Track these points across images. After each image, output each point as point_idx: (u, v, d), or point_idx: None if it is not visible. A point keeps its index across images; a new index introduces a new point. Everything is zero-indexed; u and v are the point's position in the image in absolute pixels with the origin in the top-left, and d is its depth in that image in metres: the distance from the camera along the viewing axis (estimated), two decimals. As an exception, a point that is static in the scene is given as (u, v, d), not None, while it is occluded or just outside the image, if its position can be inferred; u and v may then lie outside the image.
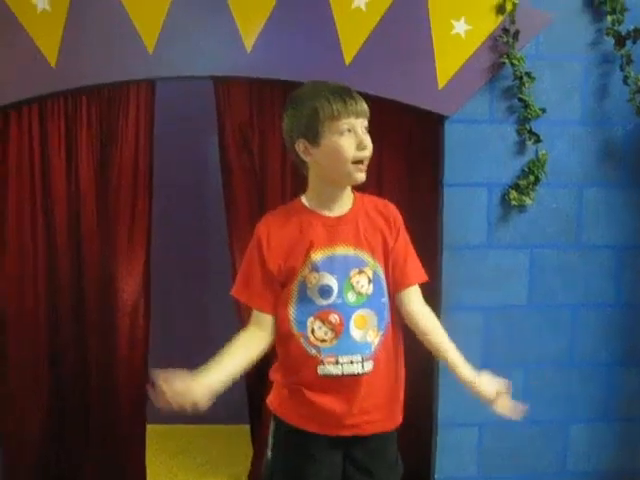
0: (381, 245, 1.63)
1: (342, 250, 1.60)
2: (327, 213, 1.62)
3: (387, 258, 1.63)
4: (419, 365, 2.04)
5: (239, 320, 2.28)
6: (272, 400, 1.70)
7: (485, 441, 2.26)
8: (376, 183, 2.17)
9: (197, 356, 2.61)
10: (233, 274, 2.26)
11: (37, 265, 2.22)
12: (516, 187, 2.15)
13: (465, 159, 2.16)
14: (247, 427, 2.55)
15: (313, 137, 1.56)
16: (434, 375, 2.26)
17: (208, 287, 2.66)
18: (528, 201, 2.15)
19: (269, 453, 1.68)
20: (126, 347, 2.29)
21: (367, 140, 1.55)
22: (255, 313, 1.64)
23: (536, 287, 2.23)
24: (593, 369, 2.28)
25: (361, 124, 1.56)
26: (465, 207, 2.18)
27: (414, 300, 1.66)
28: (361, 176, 1.56)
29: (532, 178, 2.13)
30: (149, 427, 2.41)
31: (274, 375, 1.69)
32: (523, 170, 2.16)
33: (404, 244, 1.66)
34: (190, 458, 2.78)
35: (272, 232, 1.61)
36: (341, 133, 1.54)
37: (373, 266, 1.62)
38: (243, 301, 1.67)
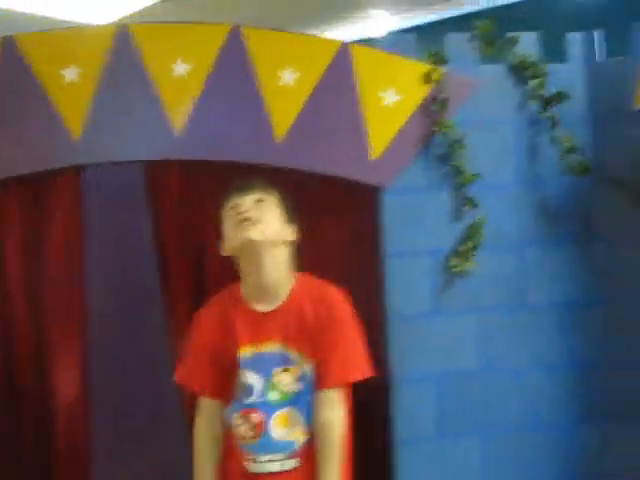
0: (313, 341, 1.59)
1: (268, 347, 1.58)
2: (258, 307, 1.60)
3: (315, 354, 1.60)
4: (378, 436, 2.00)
5: (182, 411, 2.19)
6: None
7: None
8: (318, 256, 2.13)
9: (146, 448, 2.49)
10: (172, 364, 2.18)
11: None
12: (456, 253, 2.14)
13: (405, 228, 2.15)
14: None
15: (220, 235, 1.66)
16: (393, 449, 2.18)
17: (153, 377, 2.55)
18: (470, 266, 2.14)
19: None
20: (68, 444, 2.15)
21: (247, 204, 1.60)
22: (201, 400, 1.64)
23: (486, 351, 2.20)
24: (550, 430, 2.23)
25: (249, 198, 1.62)
26: (408, 276, 2.15)
27: (319, 407, 1.60)
28: (244, 235, 1.58)
29: (470, 244, 2.13)
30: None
31: None
32: (462, 236, 2.16)
33: (333, 341, 1.60)
34: None
35: (209, 322, 1.63)
36: (227, 214, 1.65)
37: (300, 364, 1.58)
38: (187, 385, 1.67)
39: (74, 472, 2.16)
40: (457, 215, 2.16)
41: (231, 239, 1.59)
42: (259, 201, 1.58)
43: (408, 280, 2.15)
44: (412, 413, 2.16)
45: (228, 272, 2.10)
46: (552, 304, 2.25)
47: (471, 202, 2.13)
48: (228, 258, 2.11)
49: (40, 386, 2.14)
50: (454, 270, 2.14)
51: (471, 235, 2.13)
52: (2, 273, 2.10)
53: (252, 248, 1.57)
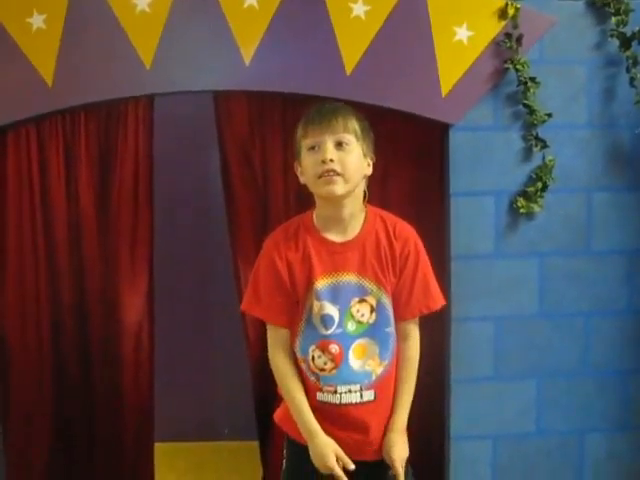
0: (388, 273, 1.59)
1: (345, 278, 1.59)
2: (332, 237, 1.61)
3: (393, 285, 1.60)
4: (430, 378, 2.01)
5: (245, 337, 2.25)
6: (278, 413, 1.74)
7: (499, 454, 2.21)
8: (381, 194, 2.13)
9: (202, 375, 2.60)
10: (238, 290, 2.23)
11: (39, 287, 2.18)
12: (524, 194, 2.11)
13: (471, 167, 2.12)
14: (256, 444, 2.51)
15: (297, 157, 1.63)
16: (446, 388, 2.21)
17: (213, 304, 2.63)
18: (536, 208, 2.11)
19: (284, 464, 1.73)
20: (132, 367, 2.26)
21: (329, 154, 1.54)
22: (274, 331, 1.64)
23: (547, 295, 2.19)
24: (608, 377, 2.22)
25: (331, 139, 1.55)
26: (472, 216, 2.13)
27: (403, 338, 1.65)
28: (329, 189, 1.55)
29: (540, 185, 2.09)
30: (157, 445, 2.38)
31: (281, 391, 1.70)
32: (530, 177, 2.12)
33: (411, 275, 1.62)
34: (199, 476, 2.74)
35: (281, 250, 1.61)
36: (307, 150, 1.58)
37: (377, 294, 1.59)
38: (257, 315, 1.67)
39: (138, 400, 2.27)
40: (526, 155, 2.12)
41: (312, 183, 1.59)
42: (339, 144, 1.56)
43: (472, 220, 2.13)
44: (469, 353, 2.17)
45: (293, 204, 2.16)
46: (616, 252, 2.21)
47: (542, 143, 2.08)
48: (292, 191, 2.16)
49: (108, 312, 2.23)
50: (520, 211, 2.11)
51: (540, 176, 2.09)
52: (75, 198, 2.16)
53: (334, 198, 1.58)
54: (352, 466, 1.57)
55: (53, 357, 2.23)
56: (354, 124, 1.58)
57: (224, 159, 2.19)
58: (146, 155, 2.15)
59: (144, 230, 2.19)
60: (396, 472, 1.59)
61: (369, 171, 1.64)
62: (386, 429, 1.63)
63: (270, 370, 2.15)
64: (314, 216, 1.64)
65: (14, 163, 2.12)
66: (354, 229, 1.62)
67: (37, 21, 2.01)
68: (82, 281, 2.21)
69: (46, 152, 2.14)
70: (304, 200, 2.11)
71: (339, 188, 1.55)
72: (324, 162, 1.54)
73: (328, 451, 1.57)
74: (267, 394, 2.27)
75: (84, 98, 2.07)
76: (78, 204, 2.16)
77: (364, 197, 1.66)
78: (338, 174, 1.54)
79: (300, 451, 1.64)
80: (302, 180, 1.63)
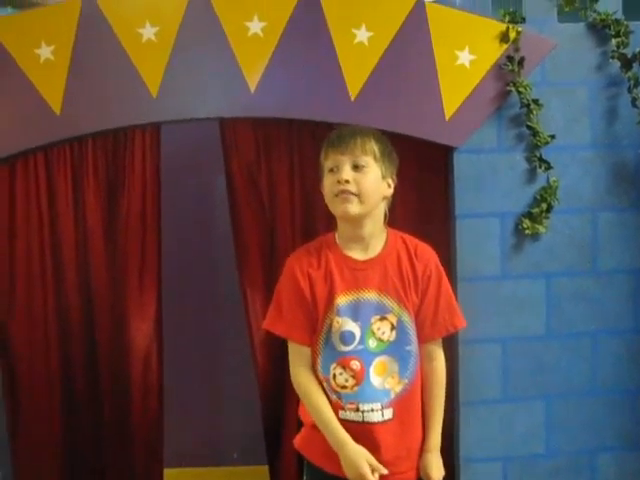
0: (410, 292, 1.61)
1: (366, 295, 1.60)
2: (355, 255, 1.63)
3: (415, 305, 1.61)
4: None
5: (254, 361, 2.25)
6: (298, 439, 1.74)
7: (509, 476, 2.20)
8: (388, 216, 2.14)
9: (211, 399, 2.59)
10: (245, 314, 2.24)
11: (47, 312, 2.19)
12: (529, 215, 2.12)
13: (476, 189, 2.14)
14: (266, 468, 2.50)
15: (321, 179, 1.66)
16: (455, 410, 2.21)
17: (221, 328, 2.64)
18: (542, 229, 2.12)
19: None
20: (140, 392, 2.26)
21: (344, 174, 1.58)
22: (296, 348, 1.64)
23: (554, 316, 2.19)
24: (617, 397, 2.22)
25: (349, 161, 1.59)
26: (478, 238, 2.14)
27: (430, 358, 1.68)
28: (343, 207, 1.59)
29: (544, 206, 2.10)
30: (166, 471, 2.37)
31: (303, 415, 1.70)
32: (535, 198, 2.13)
33: (434, 295, 1.64)
34: (208, 501, 2.74)
35: (303, 267, 1.63)
36: (328, 172, 1.63)
37: (398, 313, 1.60)
38: (279, 333, 1.66)
39: (147, 425, 2.27)
40: (530, 177, 2.13)
41: (330, 203, 1.63)
42: (357, 166, 1.58)
43: (478, 242, 2.14)
44: (477, 375, 2.17)
45: (299, 229, 2.18)
46: (622, 271, 2.21)
47: (546, 164, 2.10)
48: (298, 216, 2.17)
49: (116, 337, 2.23)
50: (526, 233, 2.12)
51: (545, 197, 2.10)
52: (83, 224, 2.18)
53: (350, 218, 1.61)
54: (385, 471, 1.57)
55: (62, 384, 2.23)
56: (372, 146, 1.60)
57: (231, 185, 2.20)
58: (153, 182, 2.17)
59: (152, 256, 2.20)
60: None
61: (389, 192, 1.66)
62: (420, 450, 1.66)
63: (279, 393, 2.16)
64: (336, 235, 1.66)
65: (22, 191, 2.15)
66: (375, 248, 1.64)
67: (45, 52, 2.04)
68: (90, 308, 2.22)
69: (54, 180, 2.16)
70: (311, 225, 2.15)
71: (353, 207, 1.57)
72: (339, 182, 1.58)
73: (361, 460, 1.56)
74: (276, 418, 2.28)
75: (92, 127, 2.10)
76: (86, 231, 2.18)
77: (385, 218, 1.68)
78: (354, 194, 1.57)
79: (325, 477, 1.64)
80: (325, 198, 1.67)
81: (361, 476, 1.55)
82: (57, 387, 2.23)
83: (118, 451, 2.28)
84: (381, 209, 1.65)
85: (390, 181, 1.66)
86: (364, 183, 1.57)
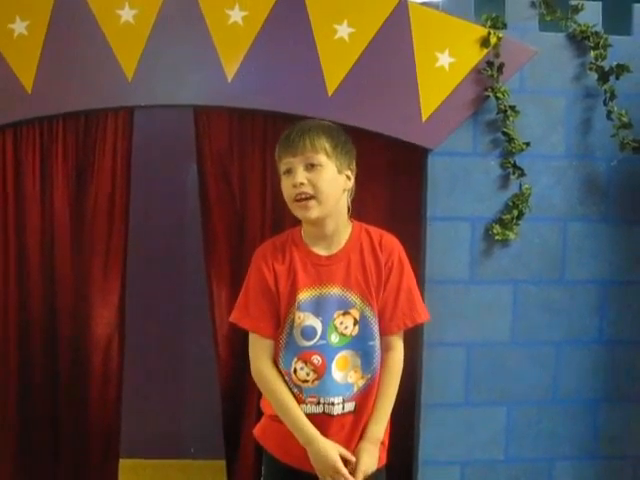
0: (373, 285, 1.59)
1: (329, 291, 1.59)
2: (319, 251, 1.62)
3: (378, 298, 1.60)
4: (401, 402, 2.00)
5: (216, 355, 2.22)
6: (258, 429, 1.72)
7: (468, 480, 2.21)
8: (357, 215, 2.13)
9: (170, 392, 2.57)
10: (210, 306, 2.21)
11: (7, 296, 2.14)
12: (500, 221, 2.12)
13: (448, 193, 2.14)
14: (223, 463, 2.47)
15: (278, 178, 1.63)
16: (416, 412, 2.20)
17: (184, 320, 2.61)
18: (512, 236, 2.12)
19: None
20: (99, 381, 2.22)
21: (298, 177, 1.55)
22: (259, 341, 1.62)
23: (519, 323, 2.20)
24: (577, 407, 2.24)
25: (301, 162, 1.56)
26: (448, 241, 2.14)
27: (388, 351, 1.65)
28: (303, 214, 1.57)
29: (515, 212, 2.11)
30: (122, 461, 2.33)
31: (264, 406, 1.70)
32: (507, 204, 2.13)
33: (395, 286, 1.62)
34: (164, 494, 2.70)
35: (268, 261, 1.62)
36: (283, 174, 1.60)
37: (361, 307, 1.59)
38: (245, 326, 1.65)
39: (105, 414, 2.23)
40: (503, 183, 2.14)
41: (290, 206, 1.61)
42: (311, 166, 1.56)
43: (448, 245, 2.14)
44: (440, 378, 2.17)
45: (269, 222, 2.16)
46: (589, 282, 2.23)
47: (519, 171, 2.10)
48: (269, 208, 2.15)
49: (78, 324, 2.19)
50: (496, 238, 2.12)
51: (516, 204, 2.11)
52: (50, 206, 2.13)
53: (313, 222, 1.59)
54: (354, 458, 1.57)
55: (19, 370, 2.18)
56: (323, 143, 1.57)
57: (202, 174, 2.17)
58: (123, 167, 2.13)
59: (118, 242, 2.16)
60: None
61: (349, 185, 1.64)
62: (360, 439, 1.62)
63: (240, 388, 2.14)
64: (302, 231, 1.64)
65: (-12, 167, 2.09)
66: (339, 243, 1.62)
67: (19, 27, 1.99)
68: (53, 292, 2.17)
69: (22, 159, 2.10)
70: (281, 217, 2.13)
71: (314, 212, 1.56)
72: (295, 186, 1.56)
73: (333, 453, 1.54)
74: (236, 413, 2.25)
75: (63, 107, 2.05)
76: (52, 213, 2.13)
77: (348, 211, 1.66)
78: (312, 197, 1.55)
79: (279, 469, 1.63)
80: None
81: (333, 469, 1.54)
82: (14, 373, 2.17)
83: (74, 440, 2.24)
84: (343, 203, 1.63)
85: (349, 173, 1.63)
86: (320, 183, 1.55)
